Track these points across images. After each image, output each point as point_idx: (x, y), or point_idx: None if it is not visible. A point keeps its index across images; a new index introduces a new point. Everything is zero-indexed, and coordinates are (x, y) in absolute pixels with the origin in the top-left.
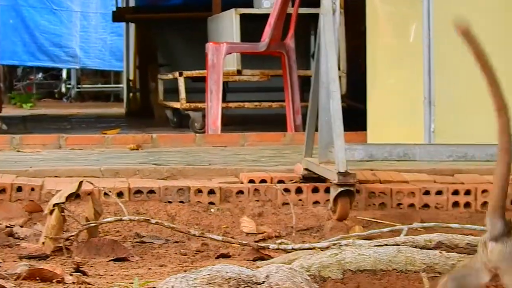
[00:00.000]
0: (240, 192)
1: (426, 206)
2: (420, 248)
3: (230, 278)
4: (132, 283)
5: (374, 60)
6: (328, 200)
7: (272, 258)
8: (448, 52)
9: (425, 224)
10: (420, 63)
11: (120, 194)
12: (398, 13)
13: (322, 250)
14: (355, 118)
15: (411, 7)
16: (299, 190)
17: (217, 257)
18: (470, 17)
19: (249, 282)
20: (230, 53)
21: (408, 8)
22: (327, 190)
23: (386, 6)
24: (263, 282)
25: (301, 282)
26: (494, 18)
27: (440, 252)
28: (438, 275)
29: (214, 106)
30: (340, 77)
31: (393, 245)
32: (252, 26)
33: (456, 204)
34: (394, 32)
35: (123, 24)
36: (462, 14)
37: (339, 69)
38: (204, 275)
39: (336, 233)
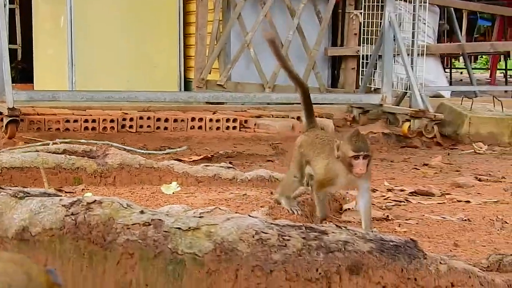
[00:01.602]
0: None
1: (67, 129)
2: (52, 153)
3: None
4: None
5: (38, 37)
6: (2, 126)
7: None
8: (85, 34)
9: (65, 140)
10: (66, 40)
11: None
12: (52, 7)
13: None
14: (28, 75)
15: (60, 3)
16: None
17: None
18: (101, 14)
19: None
20: None
21: (58, 4)
22: (1, 120)
23: (44, 4)
24: None
25: None
26: (116, 16)
27: (65, 156)
28: (64, 170)
29: None
30: (17, 49)
31: (35, 151)
32: None
33: (86, 128)
34: (53, 20)
35: None
36: (95, 11)
37: (16, 43)
38: None
39: (7, 146)
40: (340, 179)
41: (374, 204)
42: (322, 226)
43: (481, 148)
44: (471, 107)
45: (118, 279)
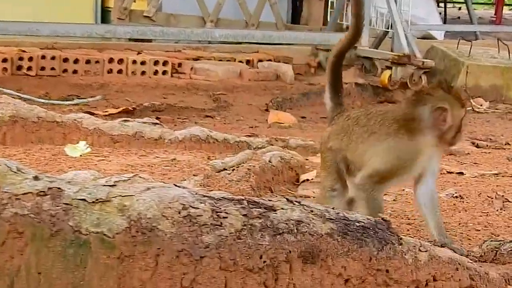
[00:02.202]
0: None
1: None
2: None
3: None
4: None
5: None
6: None
7: None
8: None
9: None
10: None
11: None
12: None
13: None
14: None
15: None
16: None
17: None
18: None
19: None
20: None
21: None
22: None
23: None
24: None
25: None
26: None
27: None
28: None
29: None
30: None
31: None
32: None
33: None
34: None
35: None
36: None
37: None
38: None
39: None
40: (420, 162)
41: None
42: (269, 200)
43: (481, 105)
44: (469, 53)
45: (2, 265)
